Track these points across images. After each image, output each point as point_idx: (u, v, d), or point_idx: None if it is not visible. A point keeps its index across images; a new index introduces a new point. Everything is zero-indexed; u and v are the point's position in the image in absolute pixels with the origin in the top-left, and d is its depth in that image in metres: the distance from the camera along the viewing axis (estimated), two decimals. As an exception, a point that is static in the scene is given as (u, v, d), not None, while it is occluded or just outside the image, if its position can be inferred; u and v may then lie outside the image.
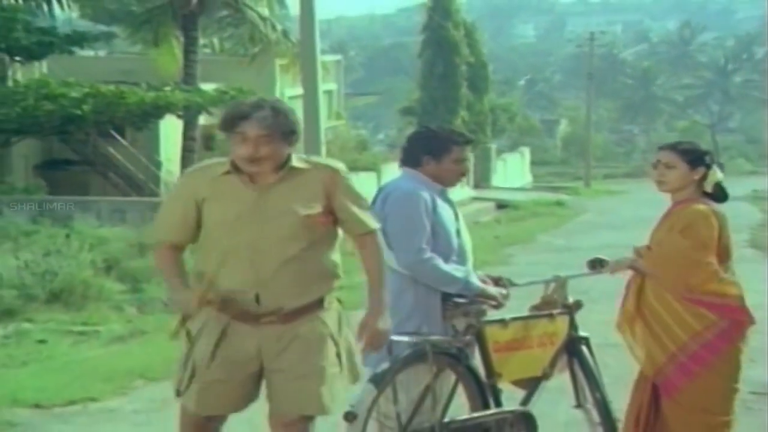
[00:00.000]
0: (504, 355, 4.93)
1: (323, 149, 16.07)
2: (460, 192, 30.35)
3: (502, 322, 4.97)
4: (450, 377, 4.82)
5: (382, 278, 4.23)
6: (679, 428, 5.07)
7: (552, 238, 21.36)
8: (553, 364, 5.16)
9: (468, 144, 5.08)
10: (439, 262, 4.79)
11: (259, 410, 4.39)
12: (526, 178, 52.70)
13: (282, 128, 4.01)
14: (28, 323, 11.10)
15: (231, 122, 4.02)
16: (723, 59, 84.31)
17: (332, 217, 4.15)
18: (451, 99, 43.47)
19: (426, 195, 4.85)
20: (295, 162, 4.10)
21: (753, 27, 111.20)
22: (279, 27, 26.39)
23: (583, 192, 46.04)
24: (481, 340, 4.87)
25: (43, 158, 26.64)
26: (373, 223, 4.25)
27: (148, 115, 23.19)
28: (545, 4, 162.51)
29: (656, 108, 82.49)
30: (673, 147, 5.19)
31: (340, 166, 4.23)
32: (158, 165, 25.96)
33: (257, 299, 4.08)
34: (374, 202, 4.87)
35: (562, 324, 5.20)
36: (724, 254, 5.10)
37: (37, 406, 7.17)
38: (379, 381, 4.47)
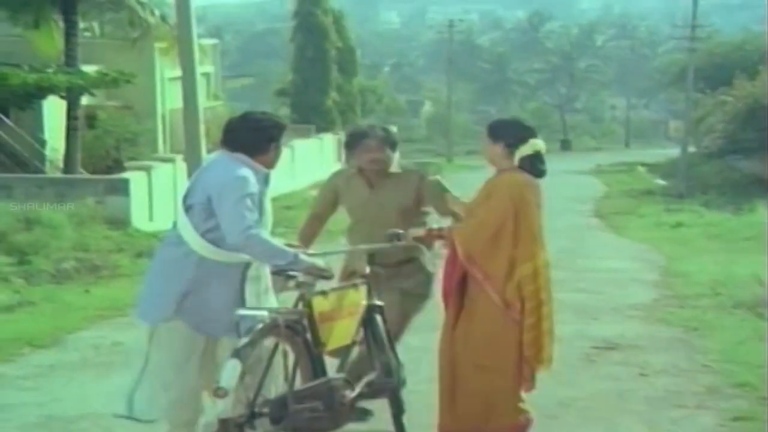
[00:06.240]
0: (327, 325, 4.84)
1: (202, 128, 15.83)
2: (331, 167, 30.35)
3: (324, 293, 4.87)
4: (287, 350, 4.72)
5: None
6: None
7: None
8: (357, 332, 5.13)
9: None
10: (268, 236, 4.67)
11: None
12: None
13: None
14: None
15: None
16: (568, 46, 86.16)
17: None
18: (321, 81, 43.38)
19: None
20: None
21: (594, 17, 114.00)
22: (157, 12, 25.87)
23: (446, 167, 46.54)
24: (309, 311, 4.76)
25: (-72, 137, 25.61)
26: None
27: (31, 96, 22.53)
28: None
29: (510, 90, 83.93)
30: (488, 124, 5.22)
31: None
32: (43, 143, 25.24)
33: None
34: None
35: (363, 293, 5.17)
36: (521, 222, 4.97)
37: (-73, 373, 6.98)
38: (242, 355, 4.37)
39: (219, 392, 4.28)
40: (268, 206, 4.87)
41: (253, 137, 4.76)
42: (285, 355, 4.60)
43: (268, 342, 4.56)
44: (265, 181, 4.81)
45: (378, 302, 5.28)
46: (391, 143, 5.82)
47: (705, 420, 5.96)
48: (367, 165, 5.79)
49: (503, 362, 4.95)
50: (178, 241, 4.68)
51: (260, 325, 4.47)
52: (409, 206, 5.76)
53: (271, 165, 4.85)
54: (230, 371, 4.31)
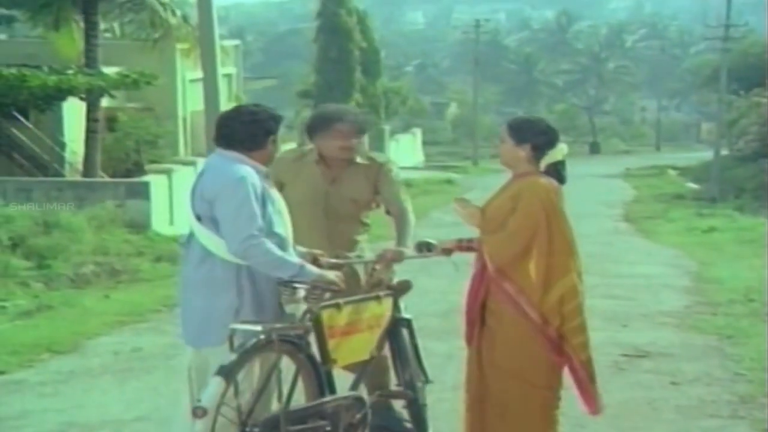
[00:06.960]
0: (338, 340, 4.58)
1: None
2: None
3: (337, 306, 4.57)
4: (289, 365, 4.48)
5: None
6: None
7: (442, 214, 21.51)
8: (379, 347, 4.87)
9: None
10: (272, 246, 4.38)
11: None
12: (419, 158, 52.98)
13: None
14: (-65, 299, 10.82)
15: None
16: (597, 46, 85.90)
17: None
18: (345, 82, 43.50)
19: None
20: None
21: (624, 16, 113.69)
22: (179, 12, 25.99)
23: (472, 170, 46.55)
24: (317, 325, 4.49)
25: (-54, 140, 25.82)
26: None
27: (51, 98, 22.66)
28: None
29: (537, 91, 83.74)
30: (508, 122, 4.88)
31: None
32: (62, 146, 25.39)
33: None
34: None
35: (387, 306, 4.90)
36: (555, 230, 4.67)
37: (-55, 379, 7.03)
38: (227, 373, 4.09)
39: (197, 411, 4.01)
40: (282, 207, 4.59)
41: (248, 131, 4.48)
42: (279, 372, 4.32)
43: (270, 357, 4.31)
44: (266, 178, 4.55)
45: (405, 315, 5.04)
46: (364, 130, 5.30)
47: (738, 430, 5.91)
48: (337, 153, 5.23)
49: (534, 375, 4.67)
50: (206, 254, 4.44)
51: (253, 341, 4.21)
52: (366, 201, 5.34)
53: (268, 161, 4.60)
54: (212, 389, 4.07)
